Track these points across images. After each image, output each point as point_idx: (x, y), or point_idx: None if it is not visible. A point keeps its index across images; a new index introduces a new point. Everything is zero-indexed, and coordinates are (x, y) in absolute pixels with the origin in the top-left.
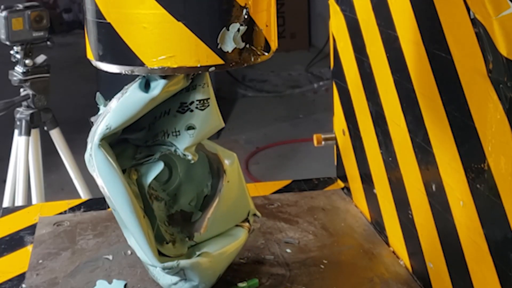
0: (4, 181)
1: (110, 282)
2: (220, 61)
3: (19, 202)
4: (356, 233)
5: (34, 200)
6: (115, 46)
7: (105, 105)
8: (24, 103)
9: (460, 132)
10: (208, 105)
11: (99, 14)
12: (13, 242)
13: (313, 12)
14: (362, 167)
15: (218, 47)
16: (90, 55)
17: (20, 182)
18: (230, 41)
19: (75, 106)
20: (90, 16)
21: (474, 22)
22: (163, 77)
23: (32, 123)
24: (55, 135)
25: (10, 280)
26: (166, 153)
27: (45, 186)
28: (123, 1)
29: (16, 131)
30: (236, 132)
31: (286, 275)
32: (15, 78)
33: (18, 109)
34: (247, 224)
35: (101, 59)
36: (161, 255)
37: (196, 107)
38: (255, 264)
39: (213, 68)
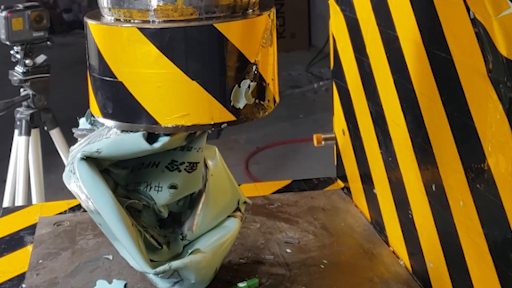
0: (4, 181)
1: (110, 282)
2: (232, 118)
3: (19, 202)
4: (356, 233)
5: (34, 200)
6: (127, 105)
7: (91, 123)
8: (24, 103)
9: (460, 132)
10: (196, 169)
11: (109, 73)
12: (13, 242)
13: (313, 12)
14: (362, 167)
15: (231, 104)
16: (96, 111)
17: (20, 182)
18: (242, 97)
19: (75, 106)
20: (97, 74)
21: (474, 22)
22: (167, 134)
23: (32, 123)
24: (55, 135)
25: (10, 280)
26: (143, 203)
27: (45, 186)
28: (137, 61)
29: (16, 131)
30: (236, 132)
31: (286, 275)
32: (15, 78)
33: (18, 109)
34: (239, 213)
35: (111, 117)
36: (155, 262)
37: (185, 169)
38: (255, 264)
39: (225, 125)
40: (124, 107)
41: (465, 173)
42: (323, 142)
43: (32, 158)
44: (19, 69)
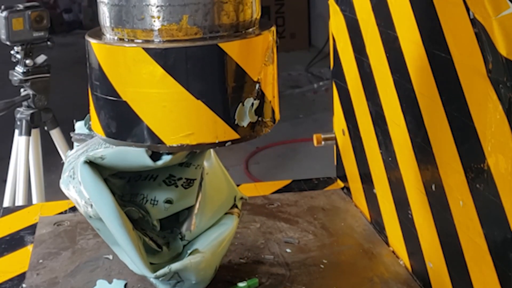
0: (5, 181)
1: (110, 282)
2: (237, 136)
3: (19, 202)
4: (356, 233)
5: (34, 200)
6: (131, 125)
7: (89, 128)
8: (25, 103)
9: (460, 132)
10: (192, 186)
11: (113, 92)
12: (14, 241)
13: (313, 12)
14: (362, 167)
15: (235, 122)
16: (99, 130)
17: (20, 182)
18: (246, 116)
19: (75, 106)
20: (100, 93)
21: (474, 22)
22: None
23: (33, 123)
24: (56, 135)
25: (10, 279)
26: (139, 215)
27: (46, 186)
28: (142, 80)
29: (16, 131)
30: None
31: (286, 275)
32: (15, 78)
33: (18, 109)
34: (236, 209)
35: (115, 136)
36: (155, 265)
37: (182, 185)
38: (255, 264)
39: (229, 143)
40: (129, 127)
41: (465, 173)
42: (323, 142)
43: (32, 158)
44: (19, 69)
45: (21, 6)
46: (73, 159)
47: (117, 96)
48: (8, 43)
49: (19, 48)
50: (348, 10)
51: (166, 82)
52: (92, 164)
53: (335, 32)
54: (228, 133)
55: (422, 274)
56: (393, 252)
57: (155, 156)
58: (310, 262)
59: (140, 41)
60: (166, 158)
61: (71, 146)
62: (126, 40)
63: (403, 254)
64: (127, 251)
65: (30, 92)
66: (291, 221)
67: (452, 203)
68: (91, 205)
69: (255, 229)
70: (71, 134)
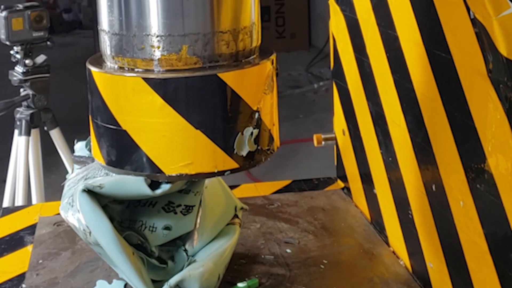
0: (4, 181)
1: (110, 282)
2: (236, 165)
3: (19, 202)
4: (356, 233)
5: (34, 200)
6: (131, 153)
7: (90, 149)
8: (24, 103)
9: (460, 132)
10: (191, 212)
11: (112, 121)
12: (13, 242)
13: (313, 12)
14: (362, 167)
15: (234, 152)
16: (99, 158)
17: (20, 182)
18: (245, 145)
19: (75, 106)
20: (101, 121)
21: (474, 22)
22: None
23: (32, 123)
24: (55, 135)
25: (10, 280)
26: (137, 242)
27: (45, 186)
28: (141, 110)
29: (16, 131)
30: None
31: (286, 275)
32: (15, 78)
33: (18, 109)
34: (237, 219)
35: (114, 164)
36: (157, 282)
37: (181, 211)
38: (255, 264)
39: (228, 173)
40: (128, 155)
41: (465, 173)
42: (323, 142)
43: (32, 158)
44: (19, 69)
45: (21, 6)
46: (72, 184)
47: (117, 124)
48: (7, 43)
49: (19, 48)
50: (348, 10)
51: (165, 111)
52: (90, 192)
53: (335, 32)
54: (227, 163)
55: (422, 274)
56: (393, 252)
57: (154, 185)
58: (310, 262)
59: (140, 70)
60: (165, 187)
61: (71, 146)
62: (126, 69)
63: (403, 254)
64: (128, 277)
65: (30, 92)
66: (291, 221)
67: (452, 203)
68: (90, 233)
69: (255, 229)
70: (72, 157)
